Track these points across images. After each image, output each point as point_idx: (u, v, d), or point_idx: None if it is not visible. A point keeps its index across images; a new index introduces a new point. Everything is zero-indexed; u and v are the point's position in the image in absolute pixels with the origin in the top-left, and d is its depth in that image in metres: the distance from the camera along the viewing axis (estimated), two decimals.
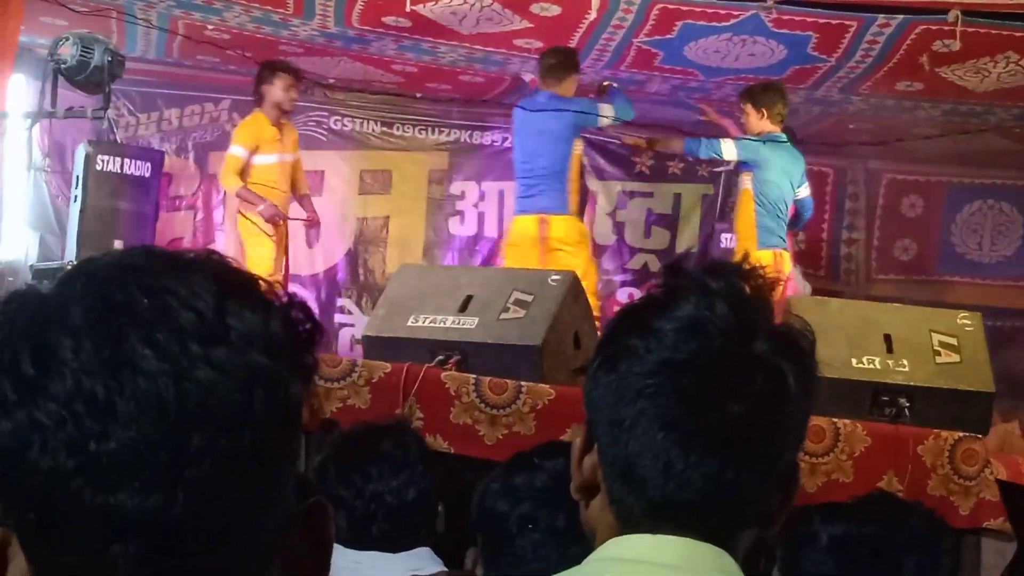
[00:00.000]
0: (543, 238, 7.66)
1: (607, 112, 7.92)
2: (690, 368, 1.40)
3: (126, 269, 0.99)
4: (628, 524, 1.43)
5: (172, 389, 0.93)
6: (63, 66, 6.84)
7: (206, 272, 1.00)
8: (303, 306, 1.05)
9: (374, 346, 5.10)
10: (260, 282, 1.03)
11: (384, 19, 8.07)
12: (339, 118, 10.03)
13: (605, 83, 8.28)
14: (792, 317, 1.46)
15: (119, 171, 7.71)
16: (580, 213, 9.09)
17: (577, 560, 1.46)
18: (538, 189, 7.76)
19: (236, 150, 8.47)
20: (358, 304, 9.99)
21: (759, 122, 7.80)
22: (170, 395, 0.93)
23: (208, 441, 0.94)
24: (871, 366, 4.76)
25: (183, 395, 0.93)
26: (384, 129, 10.10)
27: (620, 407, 1.42)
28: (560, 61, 7.86)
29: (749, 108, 7.87)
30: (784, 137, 7.89)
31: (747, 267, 1.45)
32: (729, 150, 7.94)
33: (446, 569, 2.86)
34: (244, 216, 8.44)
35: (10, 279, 7.65)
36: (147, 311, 0.95)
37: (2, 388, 0.94)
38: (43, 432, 0.93)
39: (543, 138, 7.75)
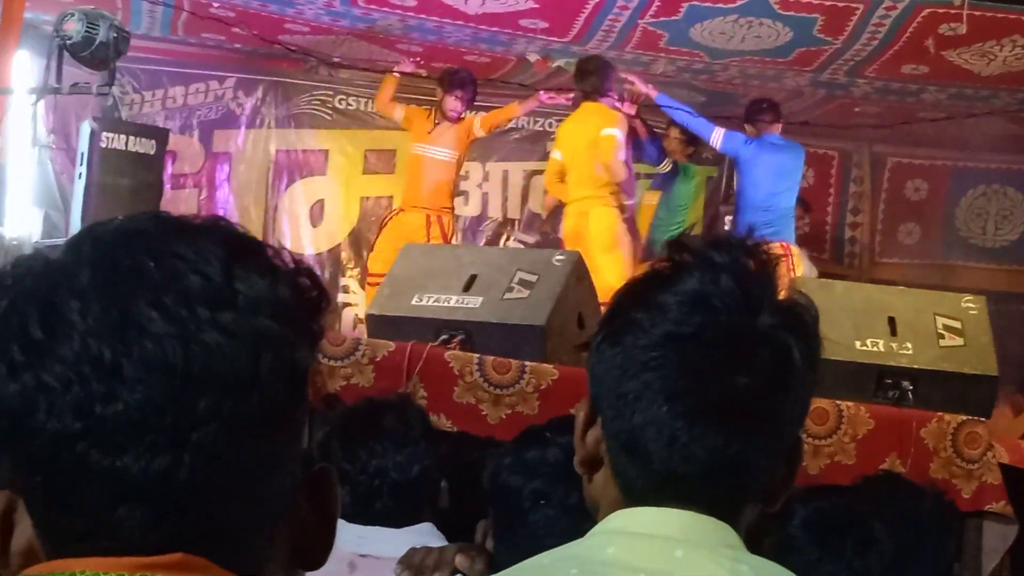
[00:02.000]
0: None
1: None
2: (695, 341, 1.40)
3: (134, 234, 1.00)
4: (632, 497, 1.43)
5: (179, 352, 0.94)
6: (68, 42, 6.82)
7: (214, 237, 1.00)
8: (310, 273, 1.05)
9: (378, 325, 5.10)
10: (268, 248, 1.03)
11: None
12: (344, 97, 10.02)
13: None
14: (796, 293, 1.46)
15: (124, 148, 7.68)
16: None
17: None
18: (776, 226, 7.97)
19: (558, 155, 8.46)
20: (361, 284, 9.99)
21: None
22: (177, 358, 0.93)
23: (215, 404, 0.94)
24: (875, 349, 4.75)
25: (190, 358, 0.94)
26: None
27: (624, 380, 1.42)
28: (774, 104, 8.41)
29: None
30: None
31: (751, 242, 1.45)
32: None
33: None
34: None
35: (15, 249, 7.64)
36: (155, 274, 0.96)
37: (9, 350, 0.95)
38: (50, 394, 0.93)
39: (784, 179, 8.20)
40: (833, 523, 2.59)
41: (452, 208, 8.90)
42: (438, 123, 8.72)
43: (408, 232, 8.40)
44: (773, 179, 8.15)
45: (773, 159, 8.16)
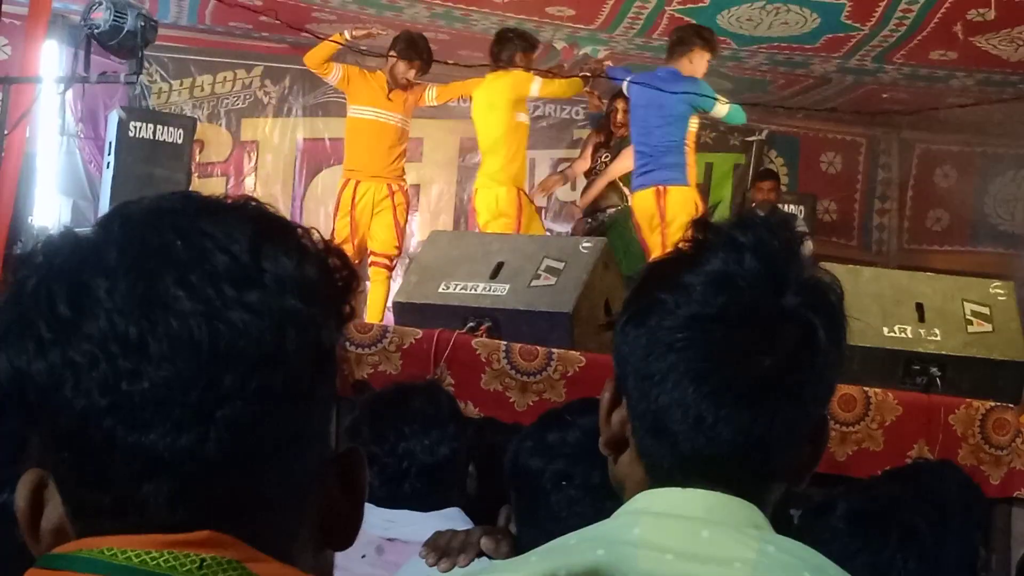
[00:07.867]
0: (660, 209, 7.48)
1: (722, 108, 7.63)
2: (720, 322, 1.40)
3: (163, 212, 1.01)
4: (658, 478, 1.43)
5: (204, 329, 0.94)
6: (96, 31, 6.85)
7: (243, 216, 1.01)
8: (340, 253, 1.05)
9: (405, 312, 5.12)
10: (297, 228, 1.04)
11: None
12: None
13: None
14: (820, 271, 1.46)
15: (152, 137, 7.72)
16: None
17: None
18: (654, 164, 7.49)
19: None
20: None
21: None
22: (202, 335, 0.94)
23: (240, 381, 0.95)
24: (903, 335, 4.75)
25: (215, 335, 0.94)
26: None
27: (650, 361, 1.42)
28: (681, 37, 7.52)
29: None
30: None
31: (775, 220, 1.45)
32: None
33: None
34: None
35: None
36: (182, 253, 0.96)
37: (38, 327, 0.96)
38: (77, 371, 0.94)
39: (657, 113, 7.48)
40: (875, 516, 2.59)
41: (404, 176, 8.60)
42: (392, 88, 8.35)
43: (373, 203, 8.20)
44: (651, 116, 7.48)
45: (654, 94, 7.43)
